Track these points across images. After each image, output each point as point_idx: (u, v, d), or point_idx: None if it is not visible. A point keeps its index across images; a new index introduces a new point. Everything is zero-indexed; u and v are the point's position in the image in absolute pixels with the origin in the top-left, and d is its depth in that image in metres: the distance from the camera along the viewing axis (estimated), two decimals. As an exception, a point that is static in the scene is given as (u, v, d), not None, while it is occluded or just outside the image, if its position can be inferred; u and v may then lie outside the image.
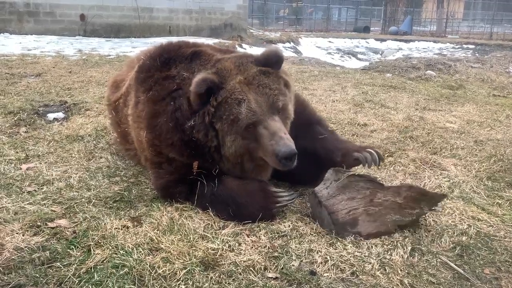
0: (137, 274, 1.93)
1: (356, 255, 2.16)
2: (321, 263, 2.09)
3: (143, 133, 2.66)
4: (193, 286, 1.89)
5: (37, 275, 1.90)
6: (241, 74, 2.43)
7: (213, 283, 1.91)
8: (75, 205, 2.58)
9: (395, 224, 2.36)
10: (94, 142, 3.78)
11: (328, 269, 2.05)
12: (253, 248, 2.19)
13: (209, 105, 2.39)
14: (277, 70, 2.55)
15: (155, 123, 2.55)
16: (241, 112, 2.34)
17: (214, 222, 2.43)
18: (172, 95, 2.54)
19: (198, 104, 2.40)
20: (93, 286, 1.85)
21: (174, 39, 3.55)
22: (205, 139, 2.44)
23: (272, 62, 2.53)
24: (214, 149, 2.48)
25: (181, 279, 1.92)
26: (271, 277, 1.97)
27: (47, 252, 2.06)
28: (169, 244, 2.17)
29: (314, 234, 2.34)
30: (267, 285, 1.92)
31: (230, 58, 2.55)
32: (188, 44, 2.92)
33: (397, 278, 2.00)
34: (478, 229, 2.46)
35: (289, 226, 2.42)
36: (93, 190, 2.80)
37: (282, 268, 2.03)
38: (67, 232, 2.25)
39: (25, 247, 2.09)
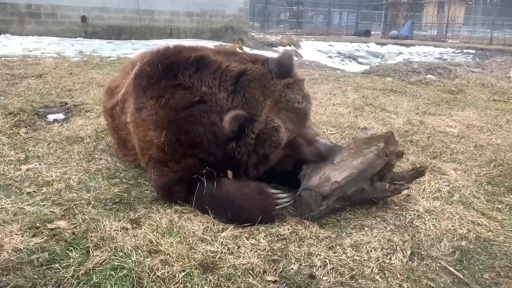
0: (136, 276, 1.92)
1: (356, 259, 2.16)
2: (320, 266, 2.09)
3: (153, 133, 2.63)
4: (191, 288, 1.88)
5: (36, 276, 1.89)
6: (268, 98, 2.49)
7: (212, 286, 1.91)
8: (74, 206, 2.57)
9: (364, 164, 2.52)
10: (94, 143, 3.78)
11: (327, 272, 2.05)
12: (252, 251, 2.19)
13: (247, 138, 2.48)
14: (294, 75, 2.60)
15: (188, 128, 2.54)
16: (280, 138, 2.50)
17: (213, 225, 2.42)
18: (199, 107, 2.55)
19: (235, 137, 2.47)
20: (92, 288, 1.85)
21: (175, 41, 3.54)
22: (247, 159, 2.57)
23: (290, 69, 2.59)
24: (252, 164, 2.61)
25: (180, 281, 1.92)
26: (270, 281, 1.97)
27: (46, 253, 2.06)
28: (168, 246, 2.16)
29: (313, 238, 2.34)
30: (266, 288, 1.91)
31: (249, 78, 2.52)
32: (188, 48, 2.90)
33: (396, 282, 1.99)
34: (477, 234, 2.46)
35: (288, 229, 2.41)
36: (93, 192, 2.80)
37: (281, 272, 2.03)
38: (66, 234, 2.25)
39: (24, 248, 2.08)
